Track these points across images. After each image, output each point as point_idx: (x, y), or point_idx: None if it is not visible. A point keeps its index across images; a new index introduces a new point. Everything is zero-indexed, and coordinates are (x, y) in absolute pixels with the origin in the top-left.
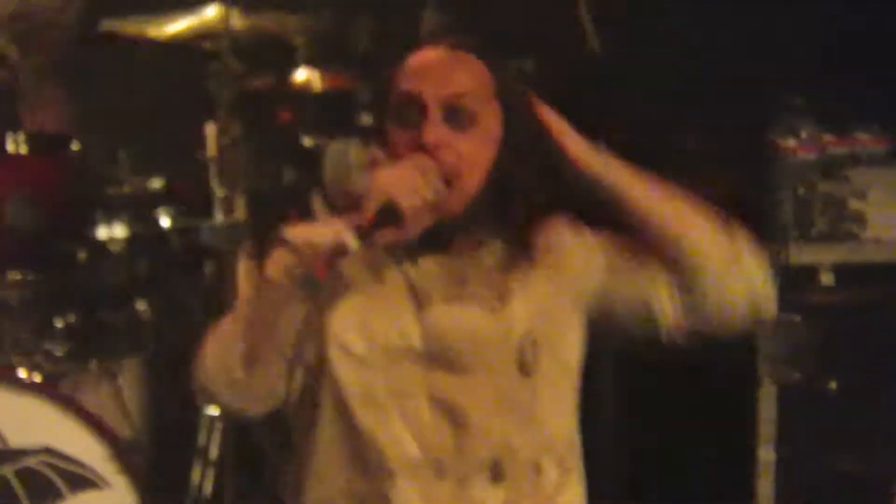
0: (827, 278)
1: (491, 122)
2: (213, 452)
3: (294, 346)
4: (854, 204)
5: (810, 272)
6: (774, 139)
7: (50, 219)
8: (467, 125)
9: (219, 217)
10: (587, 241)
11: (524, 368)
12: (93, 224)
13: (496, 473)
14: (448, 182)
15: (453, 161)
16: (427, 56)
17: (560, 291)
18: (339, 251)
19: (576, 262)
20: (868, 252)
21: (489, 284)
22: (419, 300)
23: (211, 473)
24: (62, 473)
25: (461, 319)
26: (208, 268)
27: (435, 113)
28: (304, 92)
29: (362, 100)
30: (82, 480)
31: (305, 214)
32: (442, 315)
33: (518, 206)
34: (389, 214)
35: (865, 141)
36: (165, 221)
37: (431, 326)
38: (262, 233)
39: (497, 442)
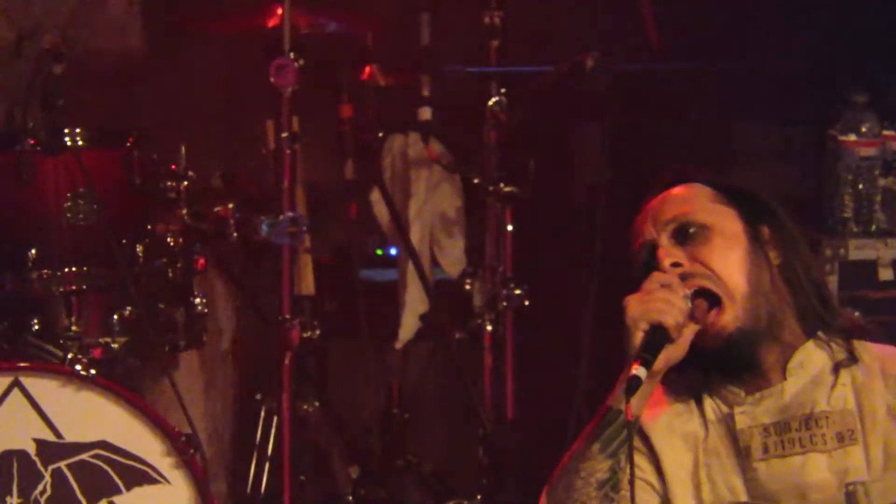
0: (886, 273)
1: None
2: (270, 448)
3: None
4: None
5: (869, 267)
6: (836, 134)
7: (108, 213)
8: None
9: (279, 211)
10: None
11: None
12: (151, 218)
13: None
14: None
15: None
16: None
17: None
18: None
19: None
20: None
21: (826, 422)
22: (744, 453)
23: (267, 469)
24: (119, 468)
25: (789, 472)
26: (267, 261)
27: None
28: (364, 87)
29: (422, 95)
30: (139, 475)
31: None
32: (768, 469)
33: (828, 308)
34: (659, 335)
35: None
36: (225, 215)
37: (757, 482)
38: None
39: None
